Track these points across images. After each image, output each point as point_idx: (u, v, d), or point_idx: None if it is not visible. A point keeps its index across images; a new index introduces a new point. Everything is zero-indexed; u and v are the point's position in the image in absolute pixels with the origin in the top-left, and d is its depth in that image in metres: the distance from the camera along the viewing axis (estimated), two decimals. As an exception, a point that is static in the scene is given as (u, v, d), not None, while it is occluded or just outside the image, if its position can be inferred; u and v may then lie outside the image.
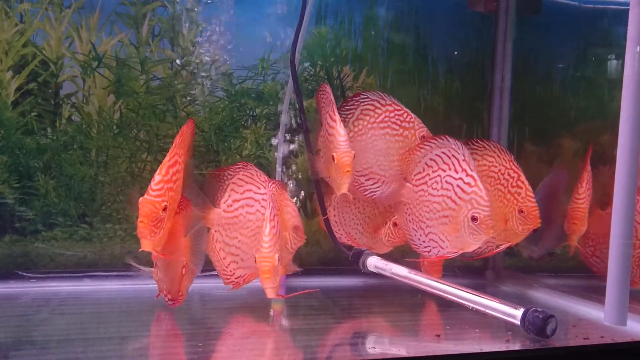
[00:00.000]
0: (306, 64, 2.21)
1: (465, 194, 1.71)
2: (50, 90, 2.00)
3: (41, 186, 1.98)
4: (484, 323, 1.54)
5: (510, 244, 1.88)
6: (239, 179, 1.70)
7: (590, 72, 2.50)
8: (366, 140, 1.87)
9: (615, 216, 1.47)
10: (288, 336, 1.54)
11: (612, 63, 2.49)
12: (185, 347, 1.35)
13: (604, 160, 2.16)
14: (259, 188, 1.67)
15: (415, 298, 1.86)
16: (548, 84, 2.45)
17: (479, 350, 1.29)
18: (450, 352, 1.29)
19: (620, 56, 2.45)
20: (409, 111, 1.88)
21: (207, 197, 1.70)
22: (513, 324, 1.46)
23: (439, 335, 1.43)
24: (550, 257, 2.39)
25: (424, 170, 1.82)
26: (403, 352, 1.33)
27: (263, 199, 1.65)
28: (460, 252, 1.77)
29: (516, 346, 1.35)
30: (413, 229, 1.85)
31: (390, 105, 1.88)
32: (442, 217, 1.77)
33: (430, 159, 1.80)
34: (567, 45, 2.45)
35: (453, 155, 1.76)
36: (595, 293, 1.87)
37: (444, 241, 1.78)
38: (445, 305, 1.68)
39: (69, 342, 1.34)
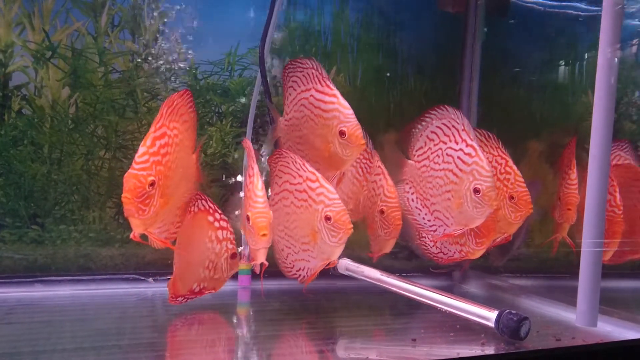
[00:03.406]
0: (275, 61, 2.15)
1: (466, 166, 1.64)
2: (-2, 81, 1.86)
3: (-13, 184, 1.84)
4: (456, 326, 1.52)
5: (505, 235, 1.82)
6: (279, 170, 1.61)
7: (555, 76, 2.55)
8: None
9: (587, 218, 1.48)
10: (255, 343, 1.47)
11: (576, 67, 2.54)
12: (149, 357, 1.27)
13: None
14: (294, 178, 1.57)
15: (385, 300, 1.83)
16: (515, 87, 2.48)
17: (456, 356, 1.26)
18: (429, 358, 1.26)
19: (584, 60, 2.51)
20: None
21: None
22: (485, 326, 1.44)
23: (415, 340, 1.40)
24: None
25: (425, 144, 1.75)
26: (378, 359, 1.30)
27: (297, 190, 1.56)
28: (466, 228, 1.70)
29: (492, 349, 1.34)
30: (417, 208, 1.78)
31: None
32: (445, 192, 1.69)
33: (432, 132, 1.73)
34: (533, 49, 2.48)
35: (453, 126, 1.68)
36: (560, 292, 1.90)
37: (448, 218, 1.71)
38: (415, 307, 1.65)
39: (17, 355, 1.22)
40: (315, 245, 1.53)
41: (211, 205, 1.57)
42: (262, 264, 1.47)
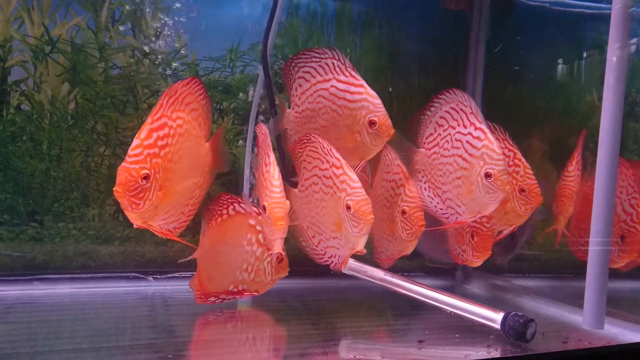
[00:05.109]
0: (277, 57, 2.12)
1: (476, 150, 1.60)
2: (-4, 76, 1.83)
3: (-15, 181, 1.81)
4: (460, 327, 1.50)
5: (513, 227, 1.79)
6: (307, 155, 1.58)
7: (559, 74, 2.53)
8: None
9: (595, 219, 1.46)
10: (256, 343, 1.45)
11: (580, 66, 2.52)
12: (149, 358, 1.24)
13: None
14: (323, 163, 1.54)
15: (388, 300, 1.81)
16: (519, 85, 2.46)
17: (464, 358, 1.24)
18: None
19: (590, 58, 2.49)
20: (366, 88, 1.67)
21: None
22: (490, 327, 1.43)
23: (421, 342, 1.38)
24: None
25: (435, 130, 1.72)
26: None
27: (324, 176, 1.53)
28: (478, 215, 1.66)
29: (498, 352, 1.32)
30: (429, 197, 1.74)
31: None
32: (456, 178, 1.65)
33: (440, 117, 1.70)
34: (537, 47, 2.46)
35: (461, 109, 1.65)
36: (564, 293, 1.88)
37: (460, 206, 1.67)
38: (417, 307, 1.63)
39: (15, 355, 1.20)
40: (341, 234, 1.50)
41: (254, 208, 1.54)
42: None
